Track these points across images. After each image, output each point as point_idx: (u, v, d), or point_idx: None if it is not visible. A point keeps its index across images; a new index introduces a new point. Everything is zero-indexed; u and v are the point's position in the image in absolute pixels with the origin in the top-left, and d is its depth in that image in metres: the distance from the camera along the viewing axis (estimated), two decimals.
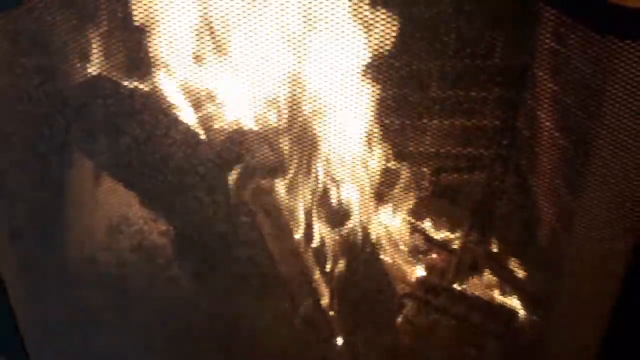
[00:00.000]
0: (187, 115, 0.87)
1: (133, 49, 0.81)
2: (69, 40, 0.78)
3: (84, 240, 0.94)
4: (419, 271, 0.99)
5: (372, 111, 0.85)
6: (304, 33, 0.74)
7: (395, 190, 0.93)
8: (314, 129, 0.85)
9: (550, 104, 0.83)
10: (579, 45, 0.69)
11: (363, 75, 0.81)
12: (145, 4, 0.75)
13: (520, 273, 0.95)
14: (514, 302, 0.94)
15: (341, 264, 0.93)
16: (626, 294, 0.74)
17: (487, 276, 0.97)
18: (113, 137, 0.85)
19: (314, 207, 0.91)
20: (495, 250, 0.97)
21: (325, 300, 0.94)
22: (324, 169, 0.89)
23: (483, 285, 0.96)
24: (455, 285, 0.97)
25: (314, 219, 0.92)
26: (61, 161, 0.86)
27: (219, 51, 0.80)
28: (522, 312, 0.93)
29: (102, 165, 0.91)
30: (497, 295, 0.95)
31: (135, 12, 0.76)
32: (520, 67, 0.87)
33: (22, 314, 0.88)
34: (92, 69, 0.82)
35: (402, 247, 1.00)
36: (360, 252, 0.94)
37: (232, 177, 0.87)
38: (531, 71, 0.85)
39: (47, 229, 0.89)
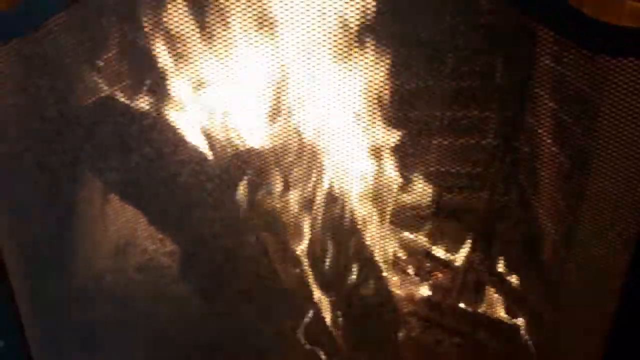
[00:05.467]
0: (194, 135, 0.89)
1: (142, 70, 0.84)
2: (81, 62, 0.81)
3: (93, 257, 0.95)
4: (423, 289, 0.99)
5: (375, 131, 0.86)
6: (306, 51, 0.76)
7: (398, 209, 0.94)
8: (318, 148, 0.87)
9: (549, 121, 0.85)
10: (574, 63, 0.71)
11: (365, 96, 0.82)
12: (153, 27, 0.79)
13: (522, 289, 0.95)
14: (516, 318, 0.94)
15: (345, 282, 0.94)
16: (625, 308, 0.75)
17: (490, 293, 0.97)
18: (122, 156, 0.87)
19: (319, 225, 0.92)
20: (497, 266, 0.98)
21: (329, 318, 0.94)
22: (328, 188, 0.90)
23: (486, 302, 0.97)
24: (458, 303, 0.97)
25: (319, 237, 0.93)
26: (72, 179, 0.88)
27: (226, 71, 0.82)
28: (524, 328, 0.93)
29: (111, 184, 0.93)
30: (500, 311, 0.96)
31: (144, 35, 0.79)
32: (520, 86, 0.88)
33: (31, 329, 0.89)
34: (103, 90, 0.84)
35: (405, 265, 1.01)
36: (364, 270, 0.94)
37: (239, 194, 0.88)
38: (530, 89, 0.87)
39: (56, 246, 0.90)
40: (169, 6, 0.77)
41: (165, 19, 0.78)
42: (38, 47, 0.75)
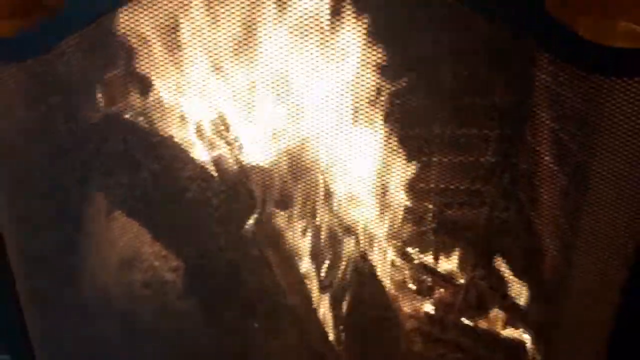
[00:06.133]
0: (200, 152, 0.91)
1: (150, 89, 0.86)
2: (92, 81, 0.83)
3: (100, 273, 0.97)
4: (426, 305, 1.00)
5: (376, 148, 0.88)
6: (310, 70, 0.79)
7: (400, 225, 0.95)
8: (321, 165, 0.88)
9: (548, 139, 0.87)
10: (569, 83, 0.73)
11: (367, 114, 0.84)
12: (162, 49, 0.81)
13: (523, 304, 0.96)
14: (518, 333, 0.95)
15: (348, 298, 0.95)
16: (625, 322, 0.76)
17: (492, 308, 0.98)
18: (129, 173, 0.89)
19: (322, 241, 0.94)
20: (499, 282, 0.99)
21: (333, 334, 0.95)
22: (331, 205, 0.92)
23: (488, 317, 0.97)
24: (461, 319, 0.98)
25: (322, 253, 0.94)
26: (80, 195, 0.89)
27: (233, 89, 0.84)
28: (526, 342, 0.94)
29: (117, 200, 0.94)
30: (501, 326, 0.96)
31: (154, 56, 0.82)
32: (519, 105, 0.90)
33: (39, 345, 0.90)
34: (112, 108, 0.87)
35: (407, 280, 1.02)
36: (367, 286, 0.95)
37: (244, 212, 0.90)
38: (529, 108, 0.89)
39: (64, 261, 0.91)
40: (177, 24, 0.79)
41: (173, 37, 0.80)
42: (50, 66, 0.77)
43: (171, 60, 0.83)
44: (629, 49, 0.68)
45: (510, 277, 0.99)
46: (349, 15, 0.76)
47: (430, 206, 0.96)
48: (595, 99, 0.70)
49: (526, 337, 0.95)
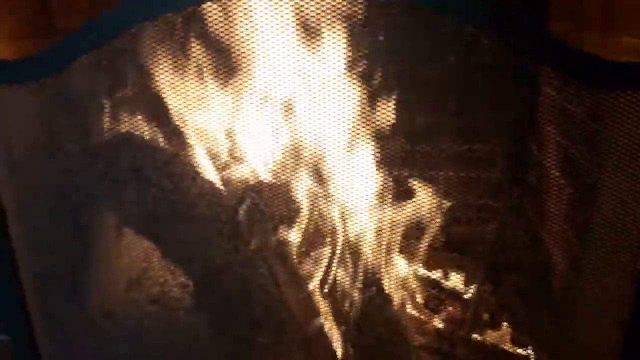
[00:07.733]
0: (209, 170, 0.92)
1: (159, 107, 0.87)
2: (102, 100, 0.85)
3: (112, 291, 0.97)
4: (435, 322, 0.99)
5: (384, 164, 0.89)
6: (319, 87, 0.80)
7: (409, 242, 0.95)
8: (329, 181, 0.89)
9: (555, 154, 0.87)
10: (576, 98, 0.73)
11: (374, 129, 0.85)
12: (170, 68, 0.83)
13: (532, 319, 0.95)
14: (526, 349, 0.94)
15: (357, 315, 0.95)
16: (634, 341, 0.75)
17: (501, 324, 0.97)
18: (138, 191, 0.90)
19: (330, 258, 0.94)
20: (507, 298, 0.98)
21: (340, 351, 0.95)
22: (339, 221, 0.92)
23: (496, 333, 0.97)
24: (469, 335, 0.97)
25: (330, 270, 0.94)
26: (91, 213, 0.90)
27: (240, 106, 0.85)
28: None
29: (126, 217, 0.95)
30: (510, 342, 0.96)
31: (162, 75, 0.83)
32: (527, 120, 0.90)
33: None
34: (122, 127, 0.88)
35: (416, 297, 1.01)
36: (375, 303, 0.95)
37: (250, 226, 0.90)
38: (537, 123, 0.89)
39: (75, 277, 0.92)
40: (185, 45, 0.81)
41: (182, 58, 0.82)
42: (61, 86, 0.79)
43: (181, 79, 0.84)
44: (633, 63, 0.68)
45: (518, 292, 0.98)
46: (359, 33, 0.77)
47: (439, 221, 0.96)
48: (601, 113, 0.70)
49: (534, 354, 0.94)
